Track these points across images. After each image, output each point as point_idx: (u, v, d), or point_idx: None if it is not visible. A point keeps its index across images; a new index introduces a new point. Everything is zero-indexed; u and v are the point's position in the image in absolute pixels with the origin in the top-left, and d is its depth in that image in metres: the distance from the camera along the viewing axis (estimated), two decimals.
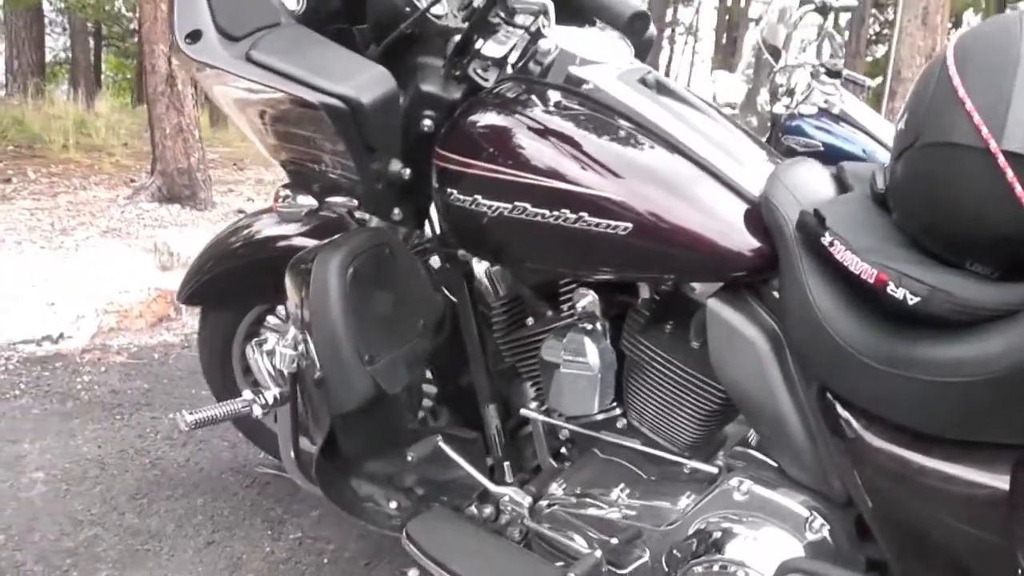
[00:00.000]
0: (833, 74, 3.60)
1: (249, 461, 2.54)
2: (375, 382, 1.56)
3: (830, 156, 3.51)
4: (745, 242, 1.37)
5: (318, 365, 1.58)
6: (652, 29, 1.86)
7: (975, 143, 1.09)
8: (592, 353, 1.54)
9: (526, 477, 1.82)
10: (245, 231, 2.16)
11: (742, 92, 3.79)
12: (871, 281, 1.17)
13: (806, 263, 1.28)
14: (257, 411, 1.65)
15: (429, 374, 2.01)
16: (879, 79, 3.64)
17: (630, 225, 1.39)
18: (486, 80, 1.66)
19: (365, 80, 1.46)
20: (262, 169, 8.27)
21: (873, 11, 17.44)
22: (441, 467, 1.84)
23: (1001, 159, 1.07)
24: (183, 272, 2.33)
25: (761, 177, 1.42)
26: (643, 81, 1.57)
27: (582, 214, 1.42)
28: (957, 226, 1.15)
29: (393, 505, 1.81)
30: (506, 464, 1.82)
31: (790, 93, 3.73)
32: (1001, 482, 1.11)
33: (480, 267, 1.81)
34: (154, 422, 2.77)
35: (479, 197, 1.51)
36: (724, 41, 21.38)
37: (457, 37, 1.64)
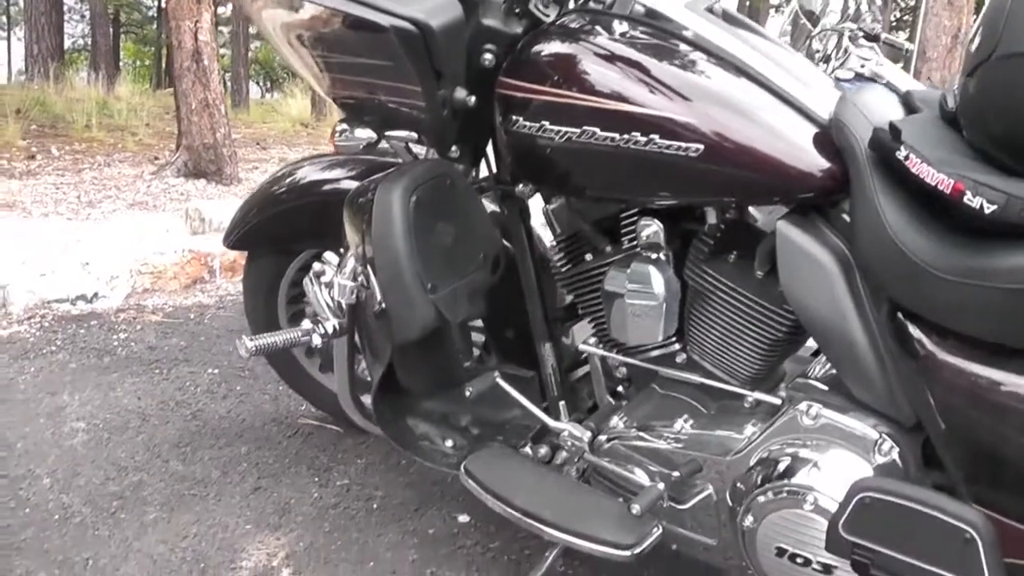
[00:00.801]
0: (871, 38, 3.56)
1: (292, 413, 2.54)
2: (437, 310, 1.55)
3: None
4: (815, 163, 1.35)
5: (379, 295, 1.57)
6: None
7: None
8: (657, 282, 1.53)
9: (582, 417, 1.81)
10: (289, 178, 2.15)
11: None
12: (948, 192, 1.16)
13: (877, 181, 1.26)
14: (316, 340, 1.64)
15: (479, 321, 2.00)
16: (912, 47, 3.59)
17: (700, 147, 1.37)
18: (547, 15, 1.64)
19: (434, 5, 1.45)
20: (285, 148, 8.30)
21: None
22: (497, 406, 1.82)
23: None
24: (216, 236, 2.32)
25: (830, 102, 1.40)
26: (710, 10, 1.55)
27: (652, 136, 1.40)
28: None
29: (449, 443, 1.80)
30: (562, 404, 1.80)
31: (827, 59, 3.70)
32: None
33: (537, 206, 1.80)
34: (193, 376, 2.77)
35: (546, 123, 1.50)
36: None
37: None
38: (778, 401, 1.51)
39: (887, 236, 1.23)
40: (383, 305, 1.58)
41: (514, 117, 1.55)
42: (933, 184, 1.17)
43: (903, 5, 19.10)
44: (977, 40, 1.22)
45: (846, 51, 3.60)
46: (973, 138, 1.25)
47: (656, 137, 1.40)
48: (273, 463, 2.27)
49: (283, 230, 2.13)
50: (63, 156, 6.93)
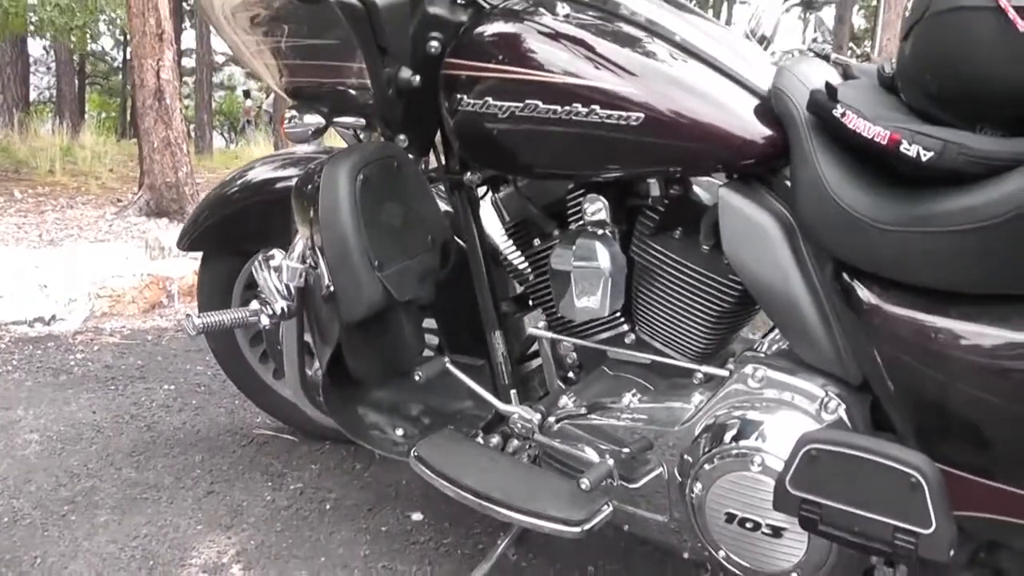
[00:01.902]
0: (822, 58, 3.65)
1: (247, 424, 2.51)
2: (385, 288, 1.55)
3: None
4: (755, 130, 1.38)
5: (327, 277, 1.57)
6: None
7: (983, 2, 1.11)
8: (603, 256, 1.53)
9: (533, 404, 1.81)
10: (242, 178, 2.16)
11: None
12: (884, 143, 1.19)
13: (816, 143, 1.29)
14: (264, 321, 1.63)
15: (433, 323, 2.00)
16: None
17: (641, 115, 1.40)
18: (490, 3, 1.68)
19: None
20: None
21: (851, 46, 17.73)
22: (447, 395, 1.82)
23: (1012, 13, 1.09)
24: (176, 261, 2.32)
25: (767, 74, 1.44)
26: None
27: (593, 107, 1.43)
28: (969, 88, 1.18)
29: (400, 432, 1.79)
30: (512, 392, 1.80)
31: None
32: (1020, 334, 1.12)
33: (486, 195, 1.82)
34: (149, 392, 2.75)
35: (490, 99, 1.52)
36: None
37: None
38: (726, 373, 1.53)
39: (827, 195, 1.25)
40: (331, 288, 1.58)
41: (458, 96, 1.57)
42: (870, 137, 1.20)
43: (859, 53, 19.54)
44: (909, 5, 1.27)
45: None
46: (911, 99, 1.29)
47: (597, 108, 1.43)
48: (227, 469, 2.25)
49: (235, 230, 2.13)
50: (26, 199, 6.88)
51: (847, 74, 1.47)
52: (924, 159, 1.15)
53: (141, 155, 6.13)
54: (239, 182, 2.15)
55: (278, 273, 1.66)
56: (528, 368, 1.92)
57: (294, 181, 1.96)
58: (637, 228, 1.59)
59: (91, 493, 2.10)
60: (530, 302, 1.81)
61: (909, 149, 1.16)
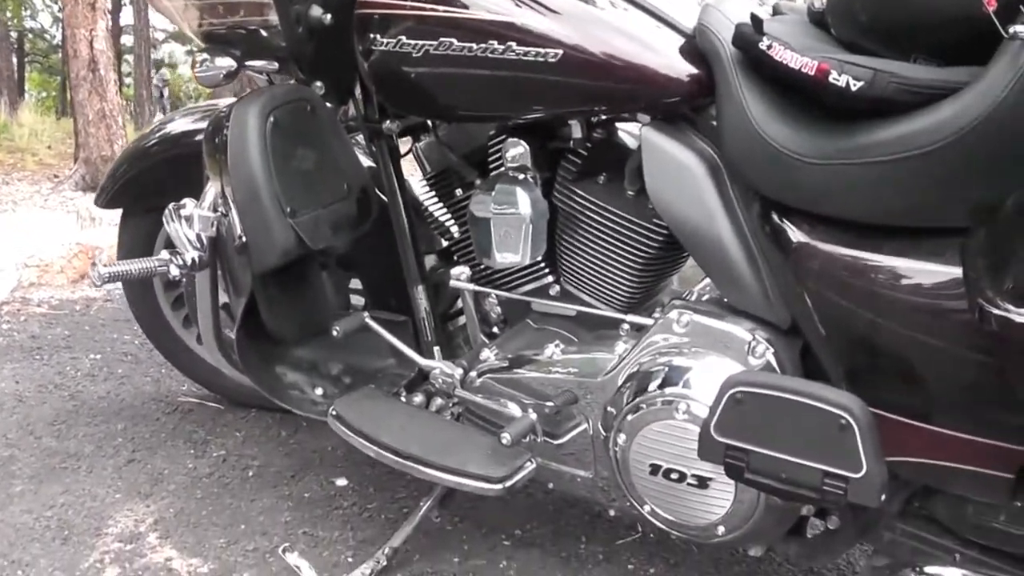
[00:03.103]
0: None
1: (172, 392, 2.43)
2: (297, 235, 1.49)
3: None
4: (680, 68, 1.33)
5: (238, 222, 1.51)
6: None
7: None
8: (523, 200, 1.48)
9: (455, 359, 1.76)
10: (160, 131, 2.09)
11: None
12: (812, 73, 1.15)
13: (742, 79, 1.25)
14: (175, 271, 1.56)
15: (358, 283, 1.94)
16: None
17: (559, 52, 1.35)
18: None
19: None
20: None
21: None
22: (368, 353, 1.77)
23: None
24: (105, 229, 2.23)
25: (693, 13, 1.39)
26: None
27: (510, 44, 1.37)
28: (901, 16, 1.14)
29: (319, 392, 1.73)
30: (436, 349, 1.75)
31: None
32: (953, 267, 1.08)
33: (405, 144, 1.76)
34: (74, 361, 2.65)
35: (404, 38, 1.46)
36: None
37: None
38: (651, 322, 1.48)
39: (754, 131, 1.21)
40: (243, 237, 1.52)
41: (372, 36, 1.51)
42: (797, 68, 1.16)
43: None
44: None
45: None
46: (841, 32, 1.25)
47: (514, 44, 1.37)
48: (149, 438, 2.17)
49: (154, 184, 2.05)
50: None
51: (776, 11, 1.43)
52: (854, 88, 1.11)
53: (76, 128, 5.98)
54: (157, 135, 2.07)
55: (189, 223, 1.59)
56: (454, 325, 1.87)
57: None
58: (560, 173, 1.54)
59: (7, 463, 2.02)
60: (454, 256, 1.75)
61: (838, 79, 1.12)
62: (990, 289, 0.93)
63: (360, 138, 1.80)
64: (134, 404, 2.36)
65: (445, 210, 1.73)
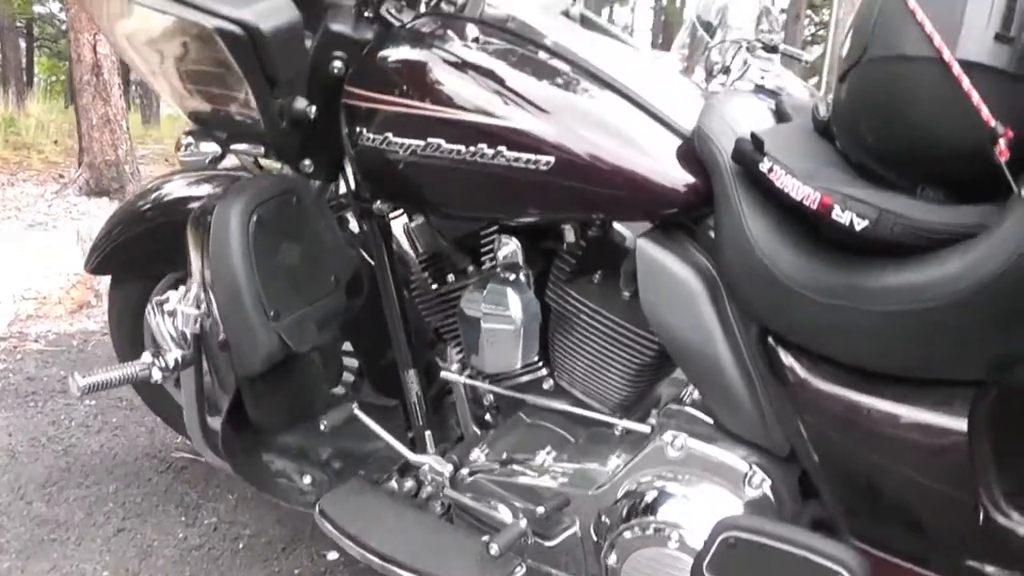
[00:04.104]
0: (770, 49, 3.55)
1: (166, 446, 2.41)
2: (281, 339, 1.45)
3: None
4: (677, 176, 1.28)
5: (220, 326, 1.46)
6: None
7: (927, 53, 1.01)
8: (514, 304, 1.44)
9: (448, 447, 1.72)
10: (154, 194, 2.03)
11: (677, 70, 3.74)
12: (814, 206, 1.09)
13: (743, 195, 1.19)
14: (157, 375, 1.52)
15: (350, 345, 1.90)
16: (817, 52, 3.62)
17: (551, 159, 1.29)
18: (399, 21, 1.56)
19: (266, 7, 1.35)
20: None
21: (808, 12, 17.55)
22: (358, 438, 1.73)
23: (956, 68, 0.99)
24: None
25: (693, 111, 1.33)
26: (566, 14, 1.48)
27: (500, 148, 1.32)
28: (908, 144, 1.08)
29: (307, 480, 1.70)
30: (427, 434, 1.71)
31: (726, 71, 3.68)
32: (959, 423, 1.04)
33: (398, 224, 1.71)
34: (68, 409, 2.63)
35: (390, 135, 1.41)
36: (660, 41, 21.38)
37: None
38: (647, 429, 1.45)
39: (753, 254, 1.16)
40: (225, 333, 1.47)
41: (359, 129, 1.46)
42: (799, 199, 1.10)
43: (817, 20, 19.43)
44: (847, 43, 1.16)
45: (745, 63, 3.58)
46: (846, 147, 1.19)
47: (504, 149, 1.32)
48: (140, 502, 2.14)
49: (144, 253, 2.01)
50: None
51: (780, 112, 1.37)
52: (858, 228, 1.05)
53: (80, 132, 5.94)
54: (152, 198, 2.01)
55: (173, 318, 1.55)
56: (446, 404, 1.82)
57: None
58: (553, 272, 1.49)
59: None
60: (446, 341, 1.70)
61: (841, 216, 1.06)
62: (995, 484, 0.88)
63: (351, 215, 1.76)
64: (127, 460, 2.33)
65: (436, 293, 1.69)
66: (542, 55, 1.39)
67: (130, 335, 2.14)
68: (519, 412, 1.61)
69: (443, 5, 1.53)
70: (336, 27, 1.52)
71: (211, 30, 1.31)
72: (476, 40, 1.45)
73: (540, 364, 1.56)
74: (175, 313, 1.54)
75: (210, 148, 1.56)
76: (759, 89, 3.55)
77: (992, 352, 1.01)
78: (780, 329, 1.20)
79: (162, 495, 2.17)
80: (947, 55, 1.00)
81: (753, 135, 1.17)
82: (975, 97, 0.99)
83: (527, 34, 1.42)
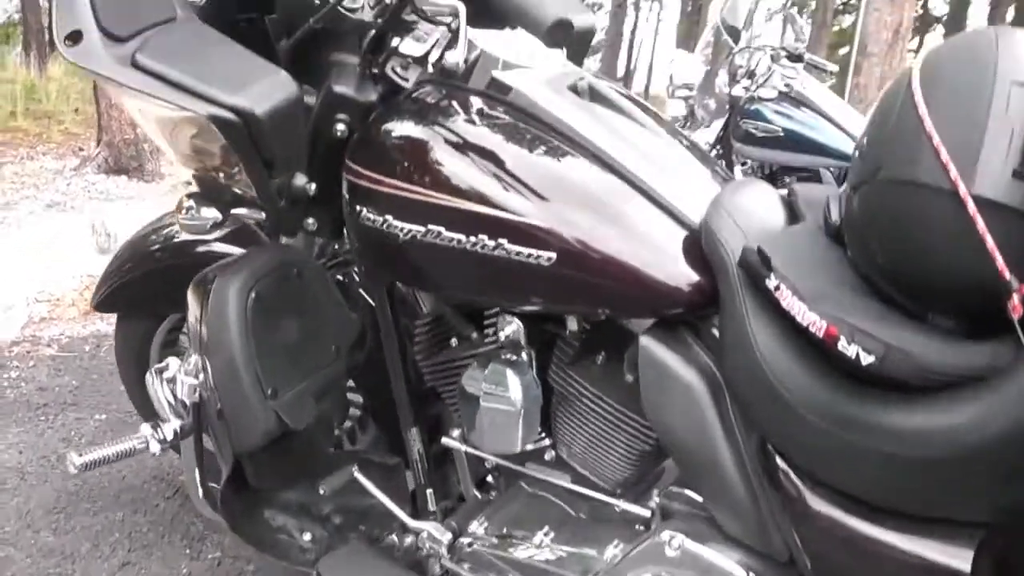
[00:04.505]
0: (795, 58, 3.49)
1: (174, 468, 2.41)
2: (279, 418, 1.44)
3: (790, 141, 3.42)
4: (683, 275, 1.26)
5: (218, 400, 1.46)
6: (590, 20, 1.74)
7: (942, 184, 0.98)
8: (515, 387, 1.42)
9: (450, 505, 1.71)
10: (164, 231, 2.02)
11: (700, 73, 3.68)
12: (820, 334, 1.06)
13: (749, 303, 1.17)
14: (155, 448, 1.51)
15: (352, 383, 1.89)
16: (845, 52, 3.55)
17: (554, 255, 1.27)
18: (405, 80, 1.53)
19: (261, 89, 1.31)
20: None
21: None
22: (359, 494, 1.72)
23: (971, 206, 0.96)
24: None
25: (703, 199, 1.31)
26: (574, 88, 1.44)
27: (501, 241, 1.30)
28: (919, 273, 1.05)
29: (307, 537, 1.69)
30: (429, 492, 1.70)
31: (750, 75, 3.62)
32: (962, 563, 1.02)
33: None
34: (79, 424, 2.65)
35: (390, 218, 1.39)
36: (689, 9, 20.97)
37: (373, 32, 1.51)
38: (647, 513, 1.43)
39: (758, 366, 1.14)
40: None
41: (359, 206, 1.44)
42: (804, 325, 1.08)
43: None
44: (862, 148, 1.13)
45: (769, 69, 3.52)
46: (856, 258, 1.15)
47: (505, 242, 1.29)
48: (147, 532, 2.16)
49: (150, 293, 2.00)
50: None
51: (792, 206, 1.33)
52: (864, 363, 1.03)
53: (99, 110, 5.92)
54: (161, 235, 2.00)
55: (172, 386, 1.55)
56: (448, 461, 1.81)
57: (215, 247, 1.84)
58: (555, 353, 1.47)
59: (3, 566, 2.02)
60: (444, 403, 1.69)
61: (847, 349, 1.04)
62: None
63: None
64: (134, 484, 2.35)
65: (439, 357, 1.67)
66: (547, 136, 1.36)
67: (136, 373, 2.14)
68: (520, 480, 1.60)
69: (447, 58, 1.48)
70: (339, 88, 1.50)
71: (205, 118, 1.29)
72: (479, 116, 1.42)
73: (542, 435, 1.54)
74: (174, 381, 1.53)
75: (211, 214, 1.55)
76: (783, 96, 3.51)
77: (999, 501, 0.99)
78: (780, 446, 1.18)
79: (168, 525, 2.19)
80: (963, 190, 0.96)
81: (760, 251, 1.14)
82: (989, 242, 0.96)
83: (533, 111, 1.39)
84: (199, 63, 1.31)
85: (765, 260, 1.13)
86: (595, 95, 1.45)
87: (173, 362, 1.55)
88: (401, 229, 1.38)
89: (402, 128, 1.44)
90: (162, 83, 1.27)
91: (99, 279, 2.12)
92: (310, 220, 1.57)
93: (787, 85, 3.51)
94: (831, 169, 3.43)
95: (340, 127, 1.50)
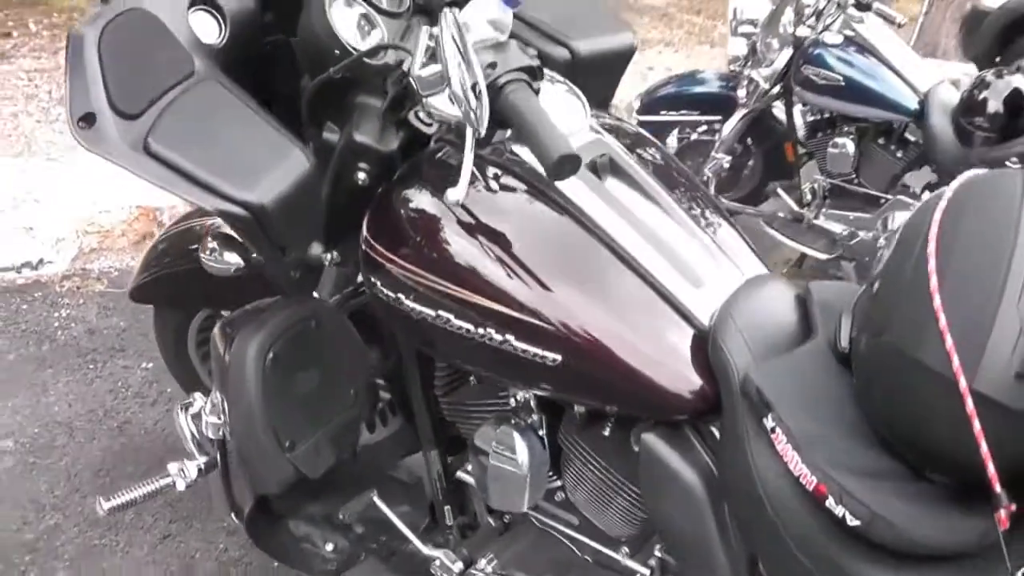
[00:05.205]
0: (863, 6, 3.31)
1: None
2: (296, 468, 1.50)
3: (850, 91, 3.30)
4: (689, 382, 1.26)
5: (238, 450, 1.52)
6: (627, 39, 1.68)
7: (943, 371, 0.95)
8: (523, 452, 1.44)
9: (467, 521, 1.77)
10: (199, 229, 2.04)
11: (765, 10, 3.53)
12: (810, 488, 1.07)
13: (750, 428, 1.16)
14: (181, 486, 1.59)
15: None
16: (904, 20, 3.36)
17: (559, 357, 1.27)
18: (428, 125, 1.50)
19: (274, 176, 1.28)
20: None
21: None
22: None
23: (969, 404, 0.94)
24: None
25: (717, 295, 1.30)
26: (593, 165, 1.40)
27: (508, 337, 1.30)
28: (915, 442, 1.05)
29: (330, 547, 1.78)
30: (447, 508, 1.76)
31: (818, 15, 3.46)
32: None
33: None
34: (126, 373, 2.76)
35: (402, 296, 1.39)
36: None
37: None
38: (647, 572, 1.48)
39: (756, 493, 1.14)
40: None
41: (373, 279, 1.44)
42: (796, 476, 1.08)
43: None
44: (873, 294, 1.11)
45: (838, 8, 3.34)
46: (860, 392, 1.14)
47: (512, 339, 1.30)
48: (187, 502, 2.26)
49: (182, 289, 2.03)
50: (40, 31, 6.64)
51: (806, 312, 1.30)
52: (850, 524, 1.03)
53: None
54: (195, 233, 2.02)
55: (197, 422, 1.61)
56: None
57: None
58: (565, 420, 1.49)
59: (53, 534, 2.16)
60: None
61: (835, 508, 1.04)
62: None
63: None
64: (177, 445, 2.45)
65: (457, 395, 1.69)
66: (560, 222, 1.34)
67: (176, 357, 2.22)
68: (531, 514, 1.64)
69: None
70: (360, 138, 1.46)
71: (214, 212, 1.29)
72: (493, 195, 1.39)
73: (553, 476, 1.58)
74: (199, 418, 1.59)
75: (233, 259, 1.56)
76: (848, 42, 3.35)
77: None
78: (771, 572, 1.20)
79: (207, 497, 2.28)
80: (963, 385, 0.94)
81: (759, 392, 1.13)
82: (983, 447, 0.94)
83: (549, 192, 1.36)
84: (211, 146, 1.29)
85: (764, 402, 1.12)
86: (616, 170, 1.42)
87: (198, 399, 1.61)
88: (412, 309, 1.38)
89: (416, 201, 1.42)
90: (174, 174, 1.26)
91: (139, 264, 2.16)
92: (334, 253, 1.58)
93: (853, 30, 3.35)
94: (895, 123, 3.32)
95: (361, 175, 1.48)
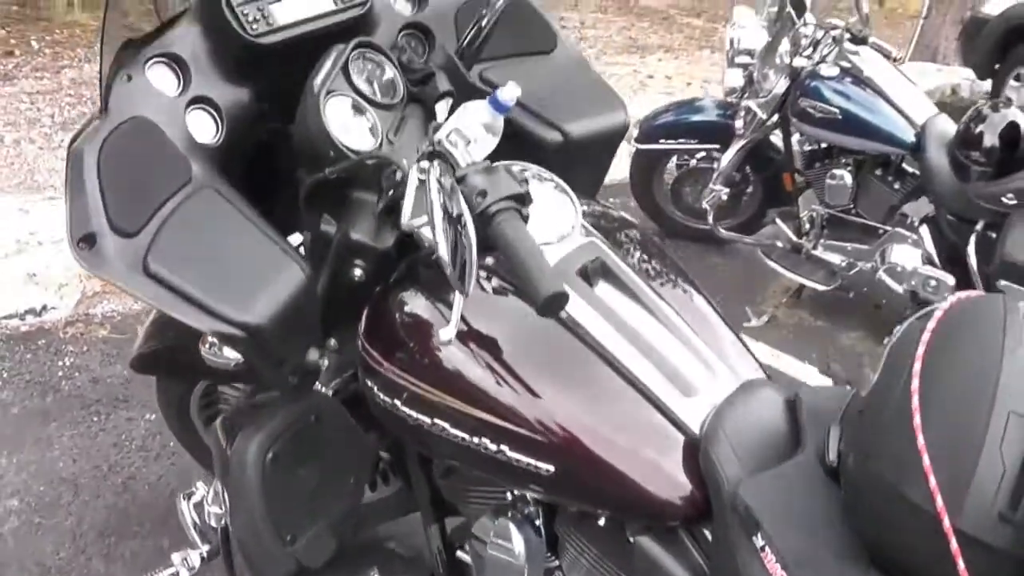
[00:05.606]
0: (859, 40, 3.32)
1: None
2: (297, 561, 1.52)
3: (847, 124, 3.31)
4: (680, 489, 1.28)
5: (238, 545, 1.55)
6: (620, 118, 1.69)
7: (928, 508, 0.97)
8: (519, 543, 1.47)
9: None
10: None
11: (762, 40, 3.54)
12: None
13: (741, 542, 1.17)
14: (185, 574, 1.62)
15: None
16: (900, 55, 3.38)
17: (552, 467, 1.30)
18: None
19: (270, 294, 1.30)
20: None
21: None
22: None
23: (954, 544, 0.95)
24: None
25: (709, 401, 1.32)
26: (584, 271, 1.41)
27: (502, 447, 1.32)
28: (903, 570, 1.05)
29: None
30: None
31: (814, 45, 3.47)
32: None
33: None
34: (130, 426, 2.77)
35: (398, 403, 1.41)
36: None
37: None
38: None
39: None
40: None
41: (370, 383, 1.46)
42: None
43: None
44: (860, 417, 1.13)
45: (833, 43, 3.36)
46: (847, 512, 1.14)
47: (506, 449, 1.32)
48: None
49: (183, 361, 2.05)
50: (42, 48, 6.66)
51: (796, 421, 1.31)
52: None
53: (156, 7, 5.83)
54: None
55: (199, 511, 1.63)
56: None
57: None
58: (560, 511, 1.51)
59: None
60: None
61: None
62: None
63: None
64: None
65: (453, 478, 1.71)
66: (554, 331, 1.35)
67: (179, 422, 2.24)
68: None
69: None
70: (356, 236, 1.48)
71: (208, 334, 1.31)
72: (485, 303, 1.41)
73: (551, 556, 1.60)
74: (201, 506, 1.62)
75: (233, 355, 1.58)
76: (844, 73, 3.36)
77: None
78: None
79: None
80: (947, 524, 0.95)
81: (748, 510, 1.15)
82: None
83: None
84: (207, 264, 1.30)
85: (754, 521, 1.14)
86: (607, 273, 1.43)
87: (200, 489, 1.64)
88: (408, 415, 1.40)
89: (412, 306, 1.44)
90: (172, 294, 1.27)
91: (142, 333, 2.17)
92: (332, 342, 1.60)
93: (849, 62, 3.36)
94: (892, 155, 3.33)
95: (357, 272, 1.49)
